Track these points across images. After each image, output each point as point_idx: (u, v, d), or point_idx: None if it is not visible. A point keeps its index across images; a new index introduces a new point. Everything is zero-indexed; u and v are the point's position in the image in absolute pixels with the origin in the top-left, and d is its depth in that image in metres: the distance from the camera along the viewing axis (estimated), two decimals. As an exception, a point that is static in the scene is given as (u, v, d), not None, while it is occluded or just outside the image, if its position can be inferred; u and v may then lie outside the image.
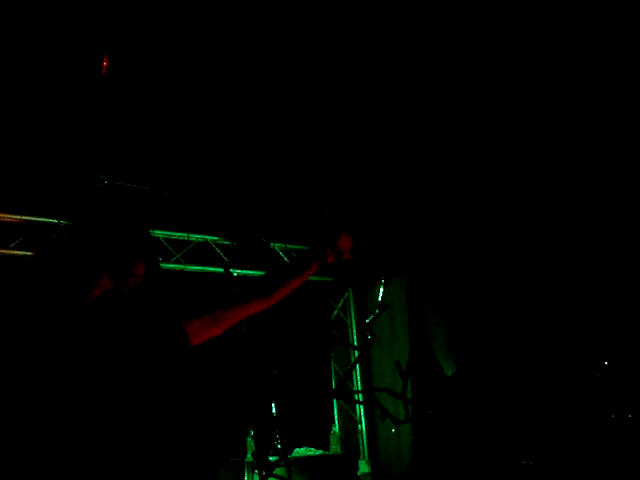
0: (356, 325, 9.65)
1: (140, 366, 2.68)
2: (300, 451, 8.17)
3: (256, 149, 7.45)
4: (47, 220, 7.44)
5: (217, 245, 8.57)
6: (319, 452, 8.28)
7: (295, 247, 9.10)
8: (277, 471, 6.67)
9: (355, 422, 9.33)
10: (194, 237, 8.41)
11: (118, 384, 2.57)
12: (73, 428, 2.49)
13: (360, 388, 9.26)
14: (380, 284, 7.19)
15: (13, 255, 7.38)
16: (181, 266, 8.27)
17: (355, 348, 9.51)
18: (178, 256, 8.29)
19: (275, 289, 3.00)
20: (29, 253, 7.40)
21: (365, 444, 9.13)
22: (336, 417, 9.28)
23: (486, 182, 7.37)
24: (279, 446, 6.64)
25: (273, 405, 6.86)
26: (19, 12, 5.44)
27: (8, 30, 5.61)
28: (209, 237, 8.51)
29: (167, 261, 8.17)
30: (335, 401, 9.35)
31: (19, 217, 7.37)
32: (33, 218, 7.41)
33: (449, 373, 7.90)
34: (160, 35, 5.76)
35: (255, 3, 5.51)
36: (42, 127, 6.61)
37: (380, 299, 7.13)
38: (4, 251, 7.33)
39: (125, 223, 2.72)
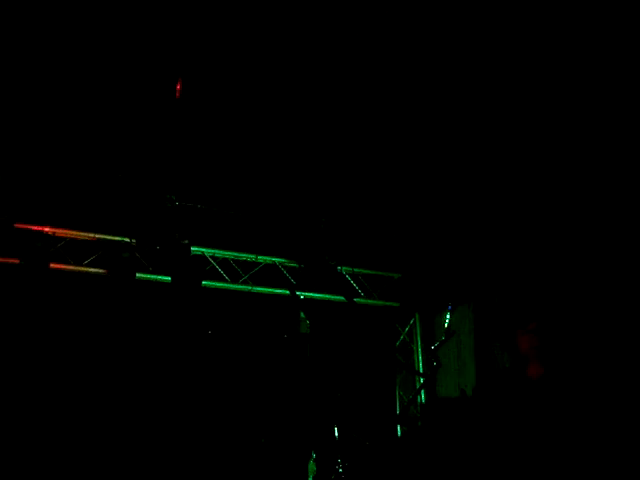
0: (422, 351, 9.56)
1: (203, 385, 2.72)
2: (362, 476, 8.10)
3: (327, 175, 7.50)
4: (120, 239, 7.61)
5: (284, 267, 8.63)
6: (381, 478, 8.20)
7: (363, 271, 9.10)
8: (338, 495, 6.63)
9: (419, 449, 9.23)
10: (262, 259, 8.48)
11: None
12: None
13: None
14: (447, 310, 7.12)
15: (87, 272, 7.57)
16: (249, 287, 8.35)
17: (420, 375, 9.42)
18: (246, 277, 8.37)
19: None
20: (102, 270, 7.58)
21: (429, 472, 9.01)
22: (400, 443, 9.19)
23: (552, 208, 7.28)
24: (340, 470, 6.60)
25: (336, 429, 6.83)
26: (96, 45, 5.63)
27: (86, 59, 5.81)
28: (277, 259, 8.56)
29: (235, 282, 8.26)
30: (399, 427, 9.27)
31: (93, 235, 7.56)
32: (106, 236, 7.59)
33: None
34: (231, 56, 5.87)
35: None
36: (117, 149, 6.80)
37: (447, 325, 7.06)
38: (78, 268, 7.53)
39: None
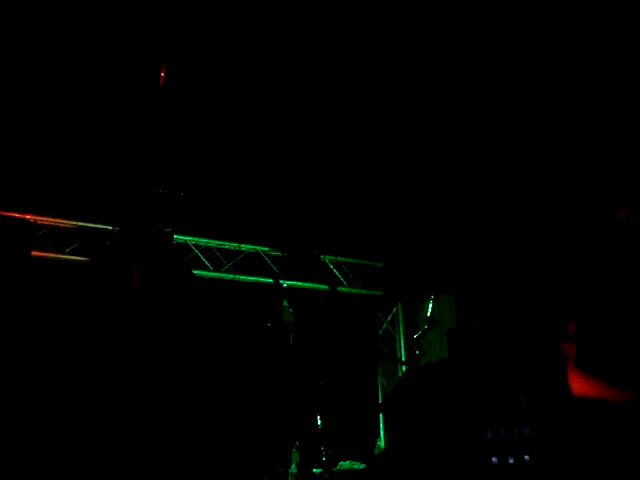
0: (404, 340, 9.59)
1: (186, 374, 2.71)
2: (345, 464, 8.13)
3: (310, 163, 7.49)
4: (102, 227, 7.57)
5: (267, 255, 8.62)
6: (364, 465, 8.24)
7: (346, 260, 9.10)
8: (321, 483, 6.65)
9: (401, 437, 9.25)
10: (245, 247, 8.47)
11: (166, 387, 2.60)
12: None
13: (407, 403, 9.18)
14: (430, 300, 7.13)
15: (68, 260, 7.53)
16: (231, 275, 8.33)
17: (402, 363, 9.46)
18: (229, 265, 8.35)
19: None
20: (83, 258, 7.54)
21: (410, 460, 9.04)
22: (382, 431, 9.22)
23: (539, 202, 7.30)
24: (324, 458, 6.62)
25: (319, 417, 6.85)
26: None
27: (66, 47, 5.76)
28: (260, 247, 8.55)
29: (218, 270, 8.24)
30: (381, 415, 9.30)
31: (75, 223, 7.52)
32: (88, 224, 7.55)
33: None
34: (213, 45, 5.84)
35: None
36: (99, 136, 6.74)
37: (429, 314, 7.07)
38: (60, 256, 7.48)
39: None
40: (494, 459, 4.61)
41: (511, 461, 4.62)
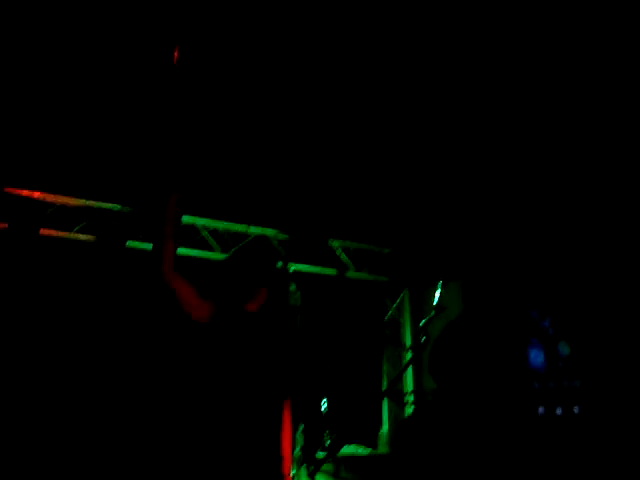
0: (410, 326, 9.57)
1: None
2: (349, 448, 8.14)
3: (320, 149, 7.46)
4: (110, 206, 7.55)
5: (275, 239, 8.60)
6: (368, 450, 8.24)
7: (353, 245, 9.07)
8: (325, 467, 6.66)
9: (404, 424, 9.26)
10: (253, 230, 8.44)
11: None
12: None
13: (411, 390, 9.19)
14: (437, 286, 7.09)
15: (76, 239, 7.52)
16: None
17: (408, 349, 9.45)
18: (236, 248, 8.33)
19: None
20: (91, 237, 7.52)
21: (413, 446, 9.05)
22: (385, 417, 9.23)
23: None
24: (328, 442, 6.63)
25: (324, 401, 6.85)
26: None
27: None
28: (268, 230, 8.51)
29: (226, 252, 8.22)
30: (385, 401, 9.30)
31: (83, 202, 7.49)
32: (97, 203, 7.53)
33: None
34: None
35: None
36: (111, 114, 6.71)
37: (436, 301, 7.04)
38: (67, 234, 7.47)
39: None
40: (540, 409, 4.55)
41: (559, 412, 4.55)
